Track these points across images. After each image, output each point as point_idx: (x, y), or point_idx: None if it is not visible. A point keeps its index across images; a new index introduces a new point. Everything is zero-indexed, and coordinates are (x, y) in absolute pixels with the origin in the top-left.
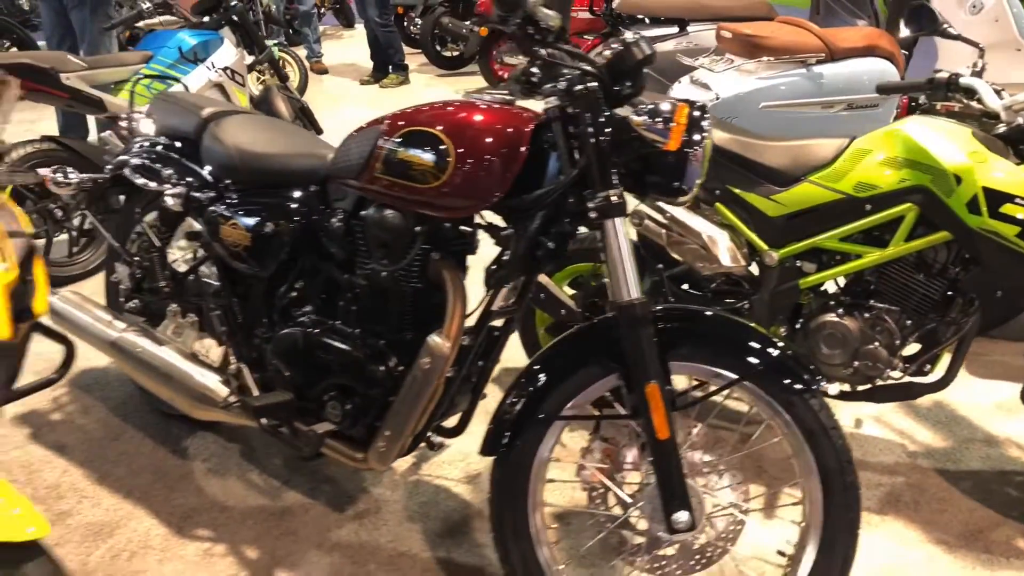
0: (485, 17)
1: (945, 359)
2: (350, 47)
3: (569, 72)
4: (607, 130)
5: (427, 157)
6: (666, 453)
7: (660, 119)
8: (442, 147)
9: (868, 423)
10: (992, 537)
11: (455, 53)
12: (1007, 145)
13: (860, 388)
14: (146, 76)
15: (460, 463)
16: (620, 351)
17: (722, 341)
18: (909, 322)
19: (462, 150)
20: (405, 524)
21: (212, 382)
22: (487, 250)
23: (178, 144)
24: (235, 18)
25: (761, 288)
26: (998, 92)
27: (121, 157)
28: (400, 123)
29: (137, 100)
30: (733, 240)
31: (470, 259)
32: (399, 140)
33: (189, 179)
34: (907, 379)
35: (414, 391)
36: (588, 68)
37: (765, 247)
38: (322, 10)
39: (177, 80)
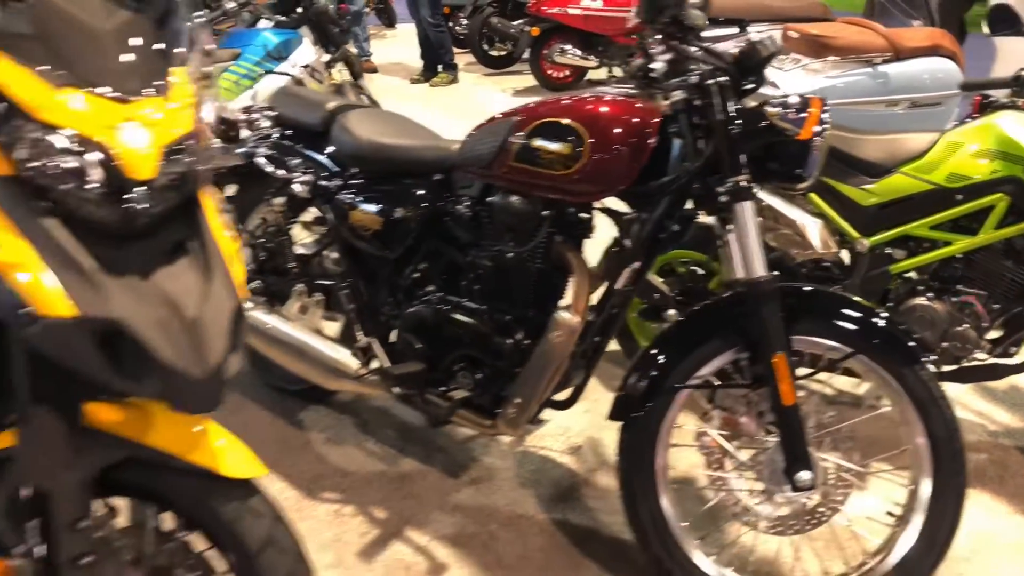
0: (536, 17)
1: None
2: (394, 46)
3: (697, 67)
4: (738, 120)
5: (561, 146)
6: (791, 418)
7: (792, 110)
8: (576, 137)
9: None
10: None
11: (502, 52)
12: None
13: (946, 369)
14: (236, 72)
15: (561, 436)
16: (741, 326)
17: (838, 316)
18: (996, 306)
19: (595, 140)
20: (518, 489)
21: (343, 355)
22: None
23: (291, 135)
24: (313, 18)
25: (852, 274)
26: None
27: (246, 148)
28: (534, 115)
29: (225, 96)
30: (825, 228)
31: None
32: (534, 130)
33: (315, 168)
34: (992, 361)
35: (544, 362)
36: (721, 64)
37: (856, 235)
38: (367, 10)
39: (261, 77)
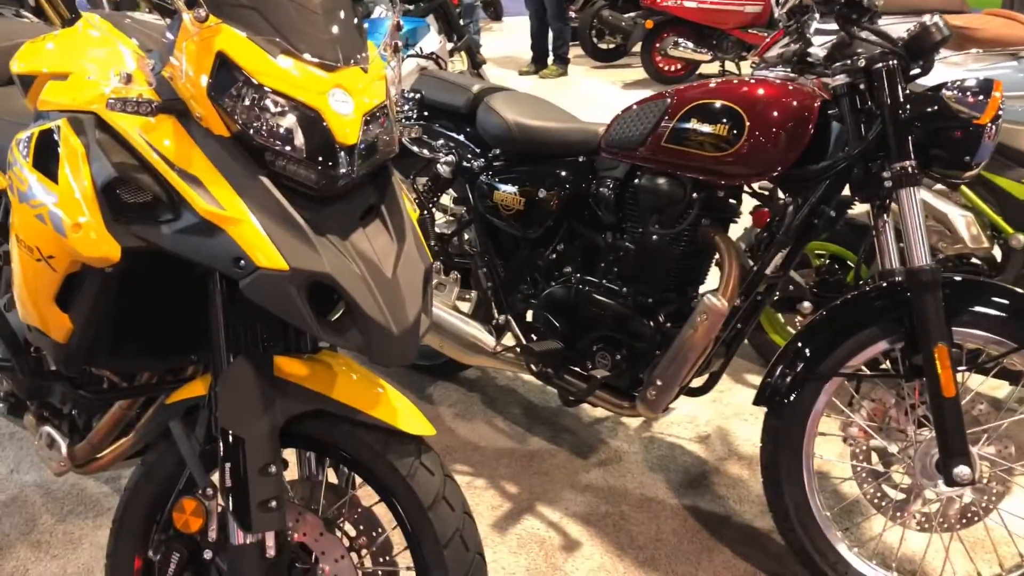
0: (651, 10)
1: None
2: (501, 39)
3: (864, 50)
4: (907, 105)
5: (719, 128)
6: (951, 410)
7: (972, 94)
8: (736, 118)
9: None
10: None
11: (611, 45)
12: None
13: None
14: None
15: (689, 425)
16: (898, 316)
17: (1002, 309)
18: None
19: (755, 122)
20: (648, 474)
21: (481, 332)
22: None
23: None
24: (439, 6)
25: (1005, 270)
26: None
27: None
28: (690, 97)
29: None
30: (976, 221)
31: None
32: (690, 112)
33: (458, 149)
34: None
35: (689, 345)
36: (891, 47)
37: (1011, 231)
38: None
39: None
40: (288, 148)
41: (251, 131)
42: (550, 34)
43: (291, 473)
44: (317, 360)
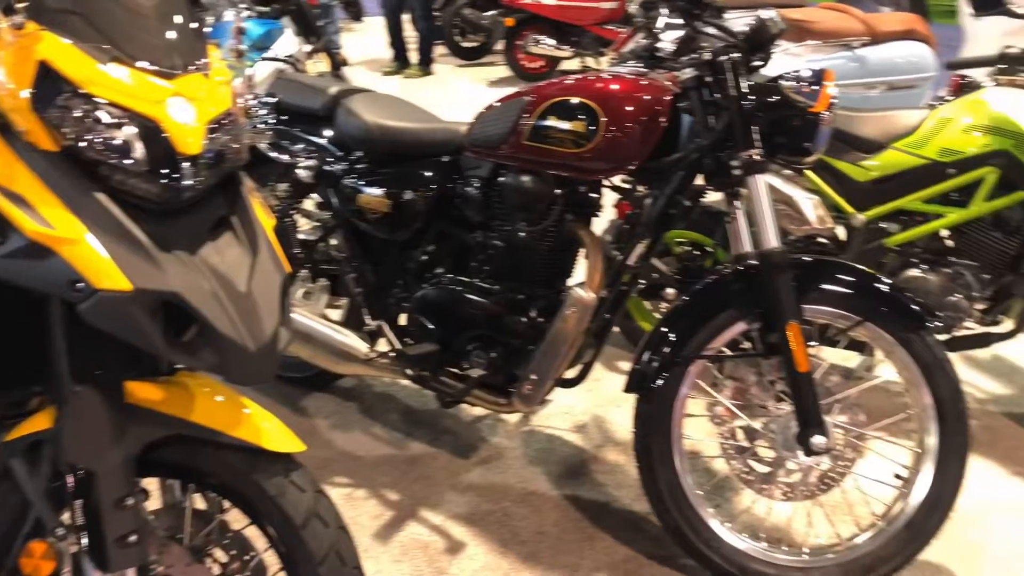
0: (510, 8)
1: (1016, 310)
2: (362, 40)
3: (708, 44)
4: (750, 96)
5: (575, 124)
6: (805, 384)
7: (806, 83)
8: (591, 115)
9: None
10: None
11: (475, 43)
12: None
13: (940, 338)
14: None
15: (566, 415)
16: (751, 298)
17: (845, 286)
18: (986, 276)
19: (609, 117)
20: (528, 468)
21: (353, 339)
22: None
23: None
24: (294, 8)
25: (848, 248)
26: None
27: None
28: (547, 94)
29: None
30: (821, 204)
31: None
32: (548, 109)
33: (319, 152)
34: (982, 329)
35: (560, 339)
36: (734, 40)
37: (852, 210)
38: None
39: (247, 67)
40: (126, 162)
41: (82, 145)
42: (406, 32)
43: (161, 502)
44: (174, 383)
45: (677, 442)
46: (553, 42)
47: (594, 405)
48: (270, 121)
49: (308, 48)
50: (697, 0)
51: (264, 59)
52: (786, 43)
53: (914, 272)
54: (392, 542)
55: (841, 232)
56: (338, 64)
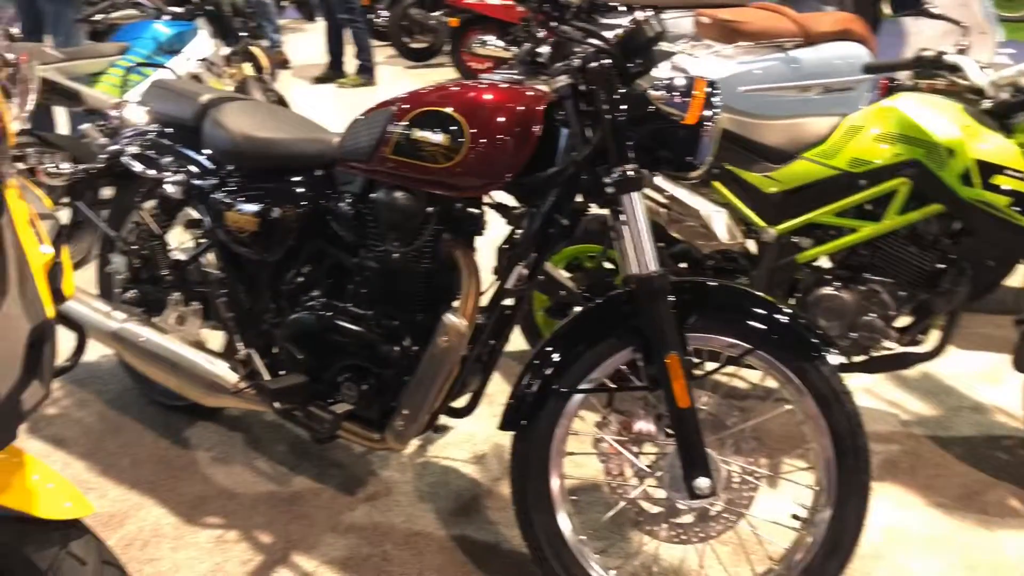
0: (455, 8)
1: (937, 329)
2: (311, 41)
3: (581, 50)
4: (622, 106)
5: (441, 137)
6: (687, 421)
7: (678, 93)
8: (456, 127)
9: (860, 395)
10: (986, 498)
11: (424, 45)
12: (994, 120)
13: (856, 359)
14: (129, 68)
15: (466, 444)
16: (636, 324)
17: (734, 311)
18: (903, 294)
19: (476, 129)
20: (417, 504)
21: (221, 369)
22: (492, 232)
23: (170, 131)
24: (209, 8)
25: (759, 264)
26: (982, 69)
27: (115, 146)
28: (412, 104)
29: (111, 92)
30: (730, 217)
31: (478, 240)
32: (412, 121)
33: (189, 166)
34: (901, 349)
35: (432, 369)
36: (602, 45)
37: (762, 224)
38: (283, 3)
39: (155, 71)
40: None
41: None
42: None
43: None
44: None
45: (556, 484)
46: (501, 43)
47: (497, 433)
48: (147, 133)
49: (226, 51)
50: (553, 1)
51: (166, 67)
52: (717, 44)
53: (828, 290)
54: None
55: (754, 247)
56: (262, 67)
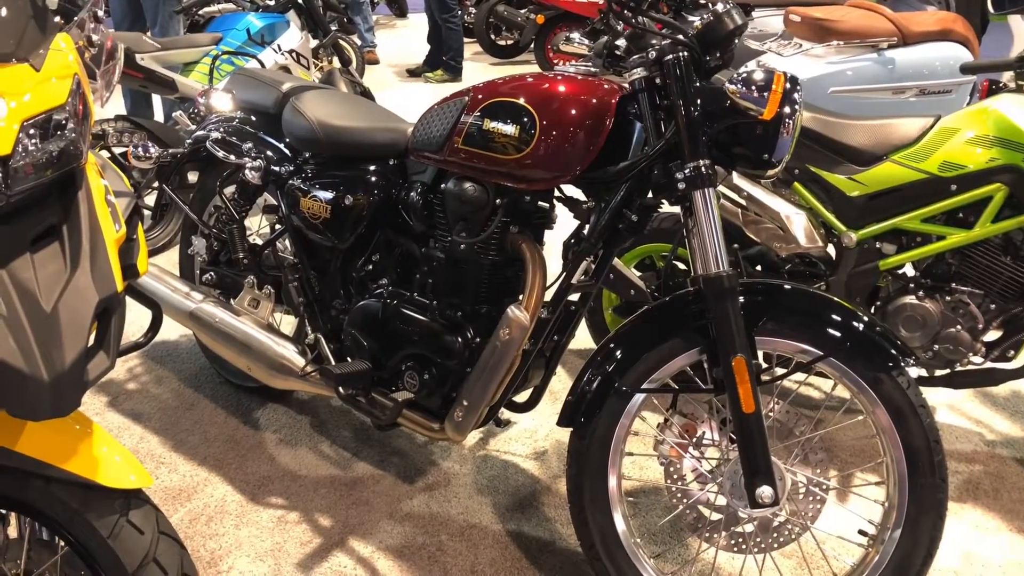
0: (541, 5)
1: None
2: (402, 37)
3: (658, 42)
4: (698, 100)
5: (512, 128)
6: (751, 427)
7: (756, 87)
8: (527, 118)
9: (943, 411)
10: None
11: (509, 42)
12: None
13: (939, 373)
14: (216, 57)
15: (527, 440)
16: (703, 325)
17: (808, 316)
18: (993, 306)
19: (547, 122)
20: (475, 497)
21: (290, 352)
22: (563, 226)
23: (253, 119)
24: (300, 2)
25: (838, 270)
26: None
27: (200, 132)
28: (485, 94)
29: (203, 80)
30: (810, 220)
31: (547, 234)
32: (484, 111)
33: (268, 153)
34: (989, 365)
35: (492, 362)
36: (680, 38)
37: (843, 228)
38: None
39: (246, 60)
40: None
41: None
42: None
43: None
44: None
45: (614, 484)
46: (586, 40)
47: (558, 429)
48: (231, 119)
49: (314, 43)
50: None
51: (257, 58)
52: (807, 43)
53: (911, 299)
54: (313, 573)
55: (833, 252)
56: (348, 60)
